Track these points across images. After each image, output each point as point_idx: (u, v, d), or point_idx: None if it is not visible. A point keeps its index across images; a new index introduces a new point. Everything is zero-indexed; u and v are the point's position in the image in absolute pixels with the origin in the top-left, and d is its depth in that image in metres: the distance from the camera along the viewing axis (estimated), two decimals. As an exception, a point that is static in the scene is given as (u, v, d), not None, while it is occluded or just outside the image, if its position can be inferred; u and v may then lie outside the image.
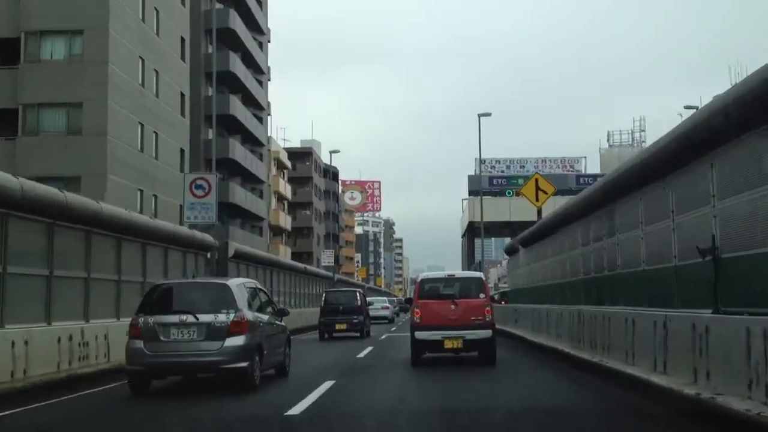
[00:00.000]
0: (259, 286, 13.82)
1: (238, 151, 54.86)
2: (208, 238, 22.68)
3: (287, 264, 36.34)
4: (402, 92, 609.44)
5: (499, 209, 45.98)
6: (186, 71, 44.70)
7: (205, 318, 11.18)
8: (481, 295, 15.60)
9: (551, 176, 49.99)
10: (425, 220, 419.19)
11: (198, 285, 13.03)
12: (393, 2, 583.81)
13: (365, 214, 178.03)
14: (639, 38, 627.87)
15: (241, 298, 11.72)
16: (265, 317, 12.72)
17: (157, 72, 39.92)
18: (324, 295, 29.39)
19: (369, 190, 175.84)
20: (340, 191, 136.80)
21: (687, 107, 38.35)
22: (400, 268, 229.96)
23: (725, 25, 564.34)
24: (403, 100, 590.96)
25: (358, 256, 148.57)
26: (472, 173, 49.96)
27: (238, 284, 12.29)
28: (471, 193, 48.89)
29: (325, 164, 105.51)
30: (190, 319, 11.14)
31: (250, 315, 11.68)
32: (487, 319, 15.21)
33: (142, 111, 37.76)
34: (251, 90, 59.10)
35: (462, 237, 63.29)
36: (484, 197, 48.22)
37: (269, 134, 68.51)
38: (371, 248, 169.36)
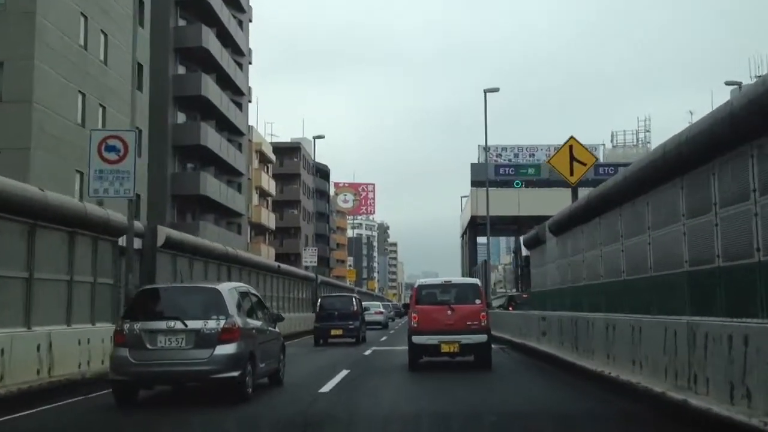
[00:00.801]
0: (252, 291, 12.85)
1: (211, 138, 48.31)
2: (116, 216, 16.12)
3: (251, 260, 29.65)
4: (399, 96, 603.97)
5: (506, 202, 39.63)
6: (145, 39, 38.06)
7: (194, 325, 10.47)
8: (477, 301, 15.78)
9: (566, 165, 43.62)
10: (420, 225, 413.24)
11: (187, 289, 12.39)
12: (393, 5, 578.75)
13: (359, 217, 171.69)
14: (642, 41, 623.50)
15: (233, 304, 11.00)
16: (258, 323, 11.99)
17: (105, 34, 33.33)
18: (319, 300, 29.02)
19: (363, 193, 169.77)
20: (332, 193, 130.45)
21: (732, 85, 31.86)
22: (395, 273, 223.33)
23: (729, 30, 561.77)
24: (400, 104, 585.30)
25: (350, 260, 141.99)
26: (478, 169, 43.56)
27: (230, 288, 11.50)
28: (474, 184, 42.50)
29: (316, 162, 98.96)
30: (178, 325, 10.45)
31: (241, 321, 10.97)
32: (483, 324, 15.45)
33: (83, 78, 31.19)
34: (228, 72, 52.58)
35: (461, 236, 56.84)
36: (489, 189, 41.74)
37: (251, 124, 61.90)
38: (364, 252, 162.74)
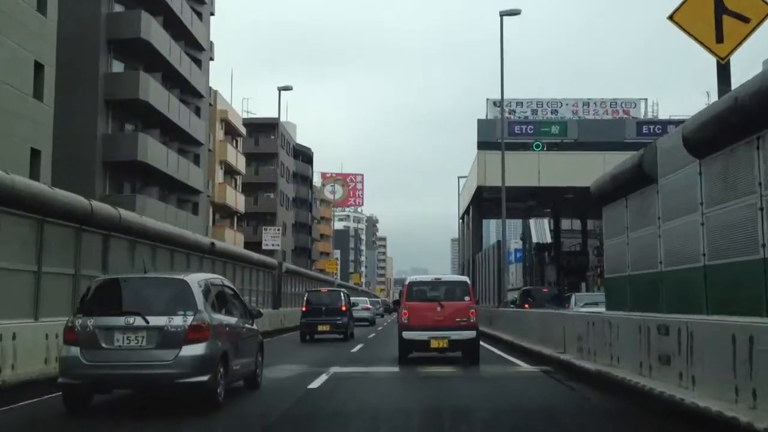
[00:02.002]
0: (227, 283, 11.43)
1: (155, 92, 38.48)
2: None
3: (155, 229, 19.42)
4: (391, 92, 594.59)
5: (522, 170, 29.83)
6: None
7: (156, 321, 9.08)
8: (466, 298, 15.95)
9: (599, 123, 33.88)
10: (410, 221, 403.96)
11: (149, 281, 10.36)
12: (390, 3, 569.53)
13: (346, 209, 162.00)
14: (646, 38, 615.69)
15: (202, 297, 9.50)
16: (232, 320, 10.48)
17: None
18: (306, 295, 27.90)
19: (351, 184, 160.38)
20: (318, 182, 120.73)
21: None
22: (383, 268, 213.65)
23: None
24: (393, 100, 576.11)
25: (337, 253, 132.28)
26: (486, 126, 33.35)
27: (200, 280, 9.93)
28: (482, 146, 32.72)
29: (297, 144, 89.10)
30: (139, 322, 9.07)
31: (212, 318, 9.51)
32: (472, 320, 15.67)
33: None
34: (182, 17, 42.73)
35: (461, 218, 47.18)
36: (497, 153, 32.13)
37: (214, 87, 52.05)
38: (352, 245, 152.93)
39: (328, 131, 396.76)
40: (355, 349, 21.33)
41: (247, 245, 53.35)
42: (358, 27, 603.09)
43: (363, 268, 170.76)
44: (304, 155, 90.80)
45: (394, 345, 16.95)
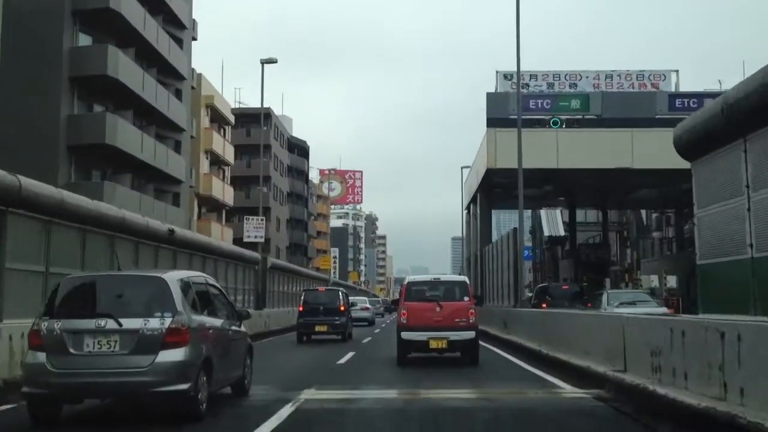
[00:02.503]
0: (211, 281, 10.41)
1: (126, 69, 34.40)
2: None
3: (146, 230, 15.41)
4: (391, 91, 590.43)
5: (538, 150, 25.47)
6: None
7: (130, 324, 8.21)
8: (465, 298, 15.65)
9: (626, 96, 29.73)
10: (410, 220, 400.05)
11: (123, 279, 9.37)
12: (391, 2, 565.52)
13: (345, 206, 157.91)
14: (649, 34, 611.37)
15: (182, 297, 8.61)
16: (217, 322, 9.55)
17: None
18: (303, 294, 26.61)
19: (350, 180, 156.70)
20: (316, 179, 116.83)
21: None
22: (383, 267, 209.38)
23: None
24: (392, 99, 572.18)
25: (335, 251, 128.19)
26: (497, 100, 28.92)
27: (180, 278, 9.02)
28: (492, 123, 28.46)
29: (293, 137, 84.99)
30: (111, 324, 8.19)
31: (193, 319, 8.62)
32: (471, 321, 15.32)
33: None
34: (159, -12, 38.66)
35: (466, 209, 42.98)
36: (509, 131, 28.07)
37: (197, 69, 47.96)
38: (350, 243, 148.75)
39: (327, 130, 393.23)
40: (343, 360, 17.33)
41: (238, 242, 49.29)
42: (358, 26, 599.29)
43: (362, 267, 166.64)
44: (299, 149, 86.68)
45: (391, 353, 15.80)
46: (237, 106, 70.05)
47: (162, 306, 8.37)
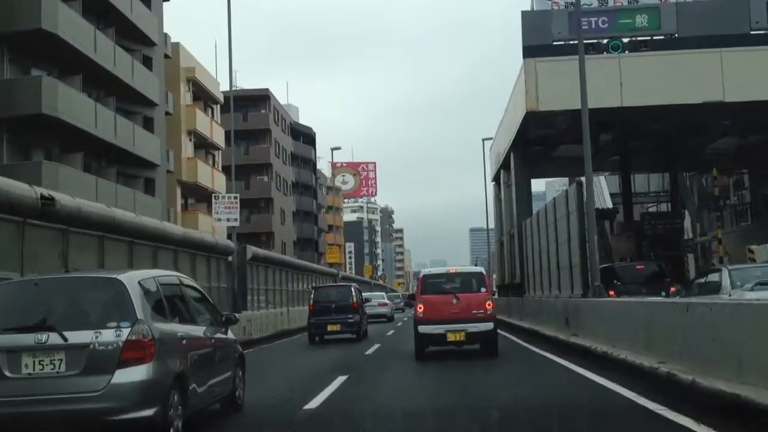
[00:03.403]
0: (187, 281, 8.82)
1: (68, 23, 27.61)
2: None
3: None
4: (403, 81, 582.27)
5: (594, 83, 17.90)
6: None
7: (78, 337, 6.66)
8: (482, 289, 15.33)
9: (709, 5, 22.23)
10: (427, 212, 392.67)
11: (70, 283, 7.65)
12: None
13: (359, 200, 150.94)
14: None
15: (144, 302, 7.03)
16: (196, 329, 8.08)
17: None
18: (313, 292, 24.98)
19: (363, 173, 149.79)
20: (327, 172, 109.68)
21: None
22: (401, 261, 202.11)
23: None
24: (403, 88, 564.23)
25: (350, 246, 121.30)
26: (536, 21, 21.36)
27: (142, 279, 7.38)
28: (529, 52, 21.01)
29: (297, 123, 77.98)
30: (54, 339, 6.65)
31: (160, 329, 7.03)
32: (489, 312, 14.90)
33: None
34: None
35: (493, 180, 35.56)
36: (555, 61, 20.91)
37: (170, 35, 41.05)
38: (366, 237, 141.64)
39: (336, 124, 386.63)
40: (330, 389, 10.47)
41: (238, 236, 42.35)
42: (363, 19, 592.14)
43: (380, 262, 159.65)
44: (305, 136, 79.67)
45: (408, 372, 13.42)
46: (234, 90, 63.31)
47: (118, 314, 6.82)
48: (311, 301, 23.69)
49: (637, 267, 21.11)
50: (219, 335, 8.76)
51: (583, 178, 16.57)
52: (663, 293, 19.77)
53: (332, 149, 52.58)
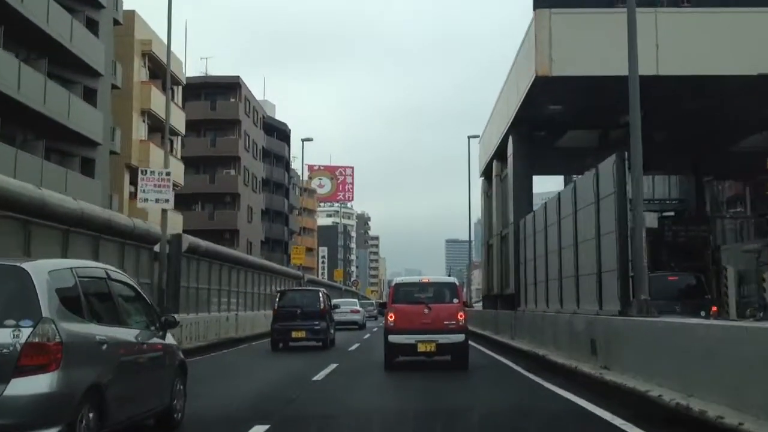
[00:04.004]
0: (117, 275, 7.37)
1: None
2: None
3: None
4: (385, 89, 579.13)
5: (617, 44, 13.84)
6: None
7: None
8: (455, 300, 14.82)
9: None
10: (404, 222, 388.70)
11: None
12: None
13: (335, 204, 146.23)
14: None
15: (54, 297, 5.86)
16: (125, 333, 6.90)
17: None
18: (278, 295, 23.82)
19: (340, 177, 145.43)
20: (301, 174, 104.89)
21: None
22: (376, 269, 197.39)
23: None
24: (385, 100, 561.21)
25: (324, 251, 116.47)
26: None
27: (55, 269, 6.23)
28: (538, 3, 16.80)
29: (270, 117, 73.25)
30: None
31: (71, 330, 5.86)
32: (461, 323, 14.39)
33: None
34: None
35: (481, 176, 30.79)
36: (576, 13, 16.52)
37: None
38: (341, 242, 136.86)
39: (317, 129, 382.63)
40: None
41: (199, 233, 37.63)
42: (348, 24, 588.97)
43: (354, 268, 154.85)
44: (279, 132, 74.98)
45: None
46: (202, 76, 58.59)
47: (19, 310, 5.64)
48: (276, 305, 22.46)
49: (670, 278, 16.72)
50: (155, 340, 7.63)
51: (573, 173, 12.30)
52: (702, 313, 15.44)
53: (303, 140, 47.74)
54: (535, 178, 23.20)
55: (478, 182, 40.19)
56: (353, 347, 21.90)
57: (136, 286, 7.77)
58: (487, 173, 29.28)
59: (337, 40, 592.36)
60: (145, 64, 37.98)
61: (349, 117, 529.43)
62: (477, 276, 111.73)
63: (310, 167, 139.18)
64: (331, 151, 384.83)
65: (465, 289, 47.13)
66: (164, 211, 19.00)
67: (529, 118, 19.96)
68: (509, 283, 22.29)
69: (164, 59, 40.51)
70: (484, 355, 17.96)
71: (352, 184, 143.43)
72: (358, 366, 15.54)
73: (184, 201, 54.33)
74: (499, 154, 24.45)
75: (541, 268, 16.87)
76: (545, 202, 17.23)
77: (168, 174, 19.20)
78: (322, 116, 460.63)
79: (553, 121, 20.18)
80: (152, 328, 7.62)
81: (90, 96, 31.22)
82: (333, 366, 14.76)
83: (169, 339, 8.06)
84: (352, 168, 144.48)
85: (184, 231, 33.17)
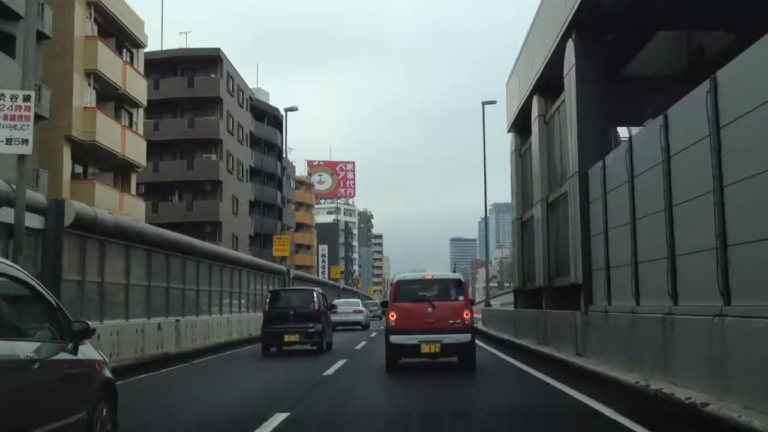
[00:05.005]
0: (11, 271, 5.39)
1: None
2: None
3: None
4: (387, 88, 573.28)
5: None
6: None
7: None
8: (460, 298, 14.09)
9: None
10: (407, 221, 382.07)
11: None
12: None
13: (336, 201, 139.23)
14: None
15: None
16: (8, 347, 4.95)
17: None
18: (269, 295, 22.32)
19: (341, 172, 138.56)
20: (297, 167, 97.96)
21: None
22: (380, 267, 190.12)
23: None
24: (387, 95, 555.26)
25: (324, 249, 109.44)
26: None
27: None
28: None
29: (258, 100, 66.16)
30: None
31: None
32: (466, 322, 13.71)
33: None
34: None
35: (510, 130, 23.72)
36: None
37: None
38: (342, 240, 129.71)
39: (317, 128, 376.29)
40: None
41: (175, 226, 30.67)
42: (350, 24, 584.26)
43: (356, 267, 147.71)
44: (270, 117, 67.97)
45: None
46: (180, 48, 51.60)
47: None
48: (266, 306, 21.32)
49: None
50: (63, 356, 5.69)
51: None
52: None
53: (286, 110, 40.61)
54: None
55: (495, 156, 33.10)
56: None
57: (32, 281, 5.54)
58: (521, 122, 21.86)
59: (338, 40, 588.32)
60: (90, 15, 30.86)
61: (349, 116, 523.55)
62: (481, 274, 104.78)
63: (310, 162, 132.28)
64: (331, 152, 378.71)
65: (470, 288, 42.23)
66: (21, 159, 11.92)
67: (598, 14, 12.66)
68: (568, 269, 15.21)
69: (119, 16, 33.32)
70: (534, 383, 11.09)
71: (354, 180, 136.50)
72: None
73: (158, 190, 47.34)
74: (545, 83, 17.30)
75: (644, 240, 9.74)
76: (644, 126, 10.10)
77: (27, 99, 12.05)
78: (322, 116, 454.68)
79: (635, 19, 12.98)
80: (59, 339, 5.67)
81: (7, 43, 24.23)
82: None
83: (88, 352, 6.07)
84: (353, 163, 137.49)
85: (159, 223, 26.18)
